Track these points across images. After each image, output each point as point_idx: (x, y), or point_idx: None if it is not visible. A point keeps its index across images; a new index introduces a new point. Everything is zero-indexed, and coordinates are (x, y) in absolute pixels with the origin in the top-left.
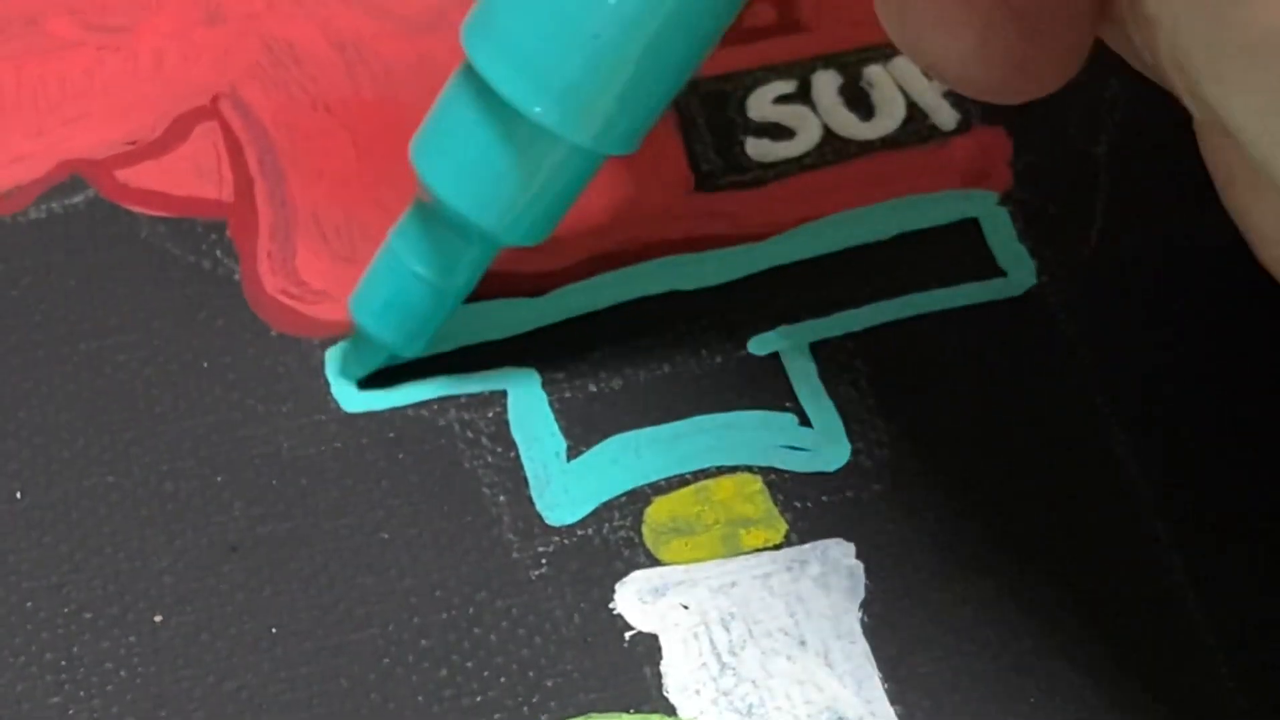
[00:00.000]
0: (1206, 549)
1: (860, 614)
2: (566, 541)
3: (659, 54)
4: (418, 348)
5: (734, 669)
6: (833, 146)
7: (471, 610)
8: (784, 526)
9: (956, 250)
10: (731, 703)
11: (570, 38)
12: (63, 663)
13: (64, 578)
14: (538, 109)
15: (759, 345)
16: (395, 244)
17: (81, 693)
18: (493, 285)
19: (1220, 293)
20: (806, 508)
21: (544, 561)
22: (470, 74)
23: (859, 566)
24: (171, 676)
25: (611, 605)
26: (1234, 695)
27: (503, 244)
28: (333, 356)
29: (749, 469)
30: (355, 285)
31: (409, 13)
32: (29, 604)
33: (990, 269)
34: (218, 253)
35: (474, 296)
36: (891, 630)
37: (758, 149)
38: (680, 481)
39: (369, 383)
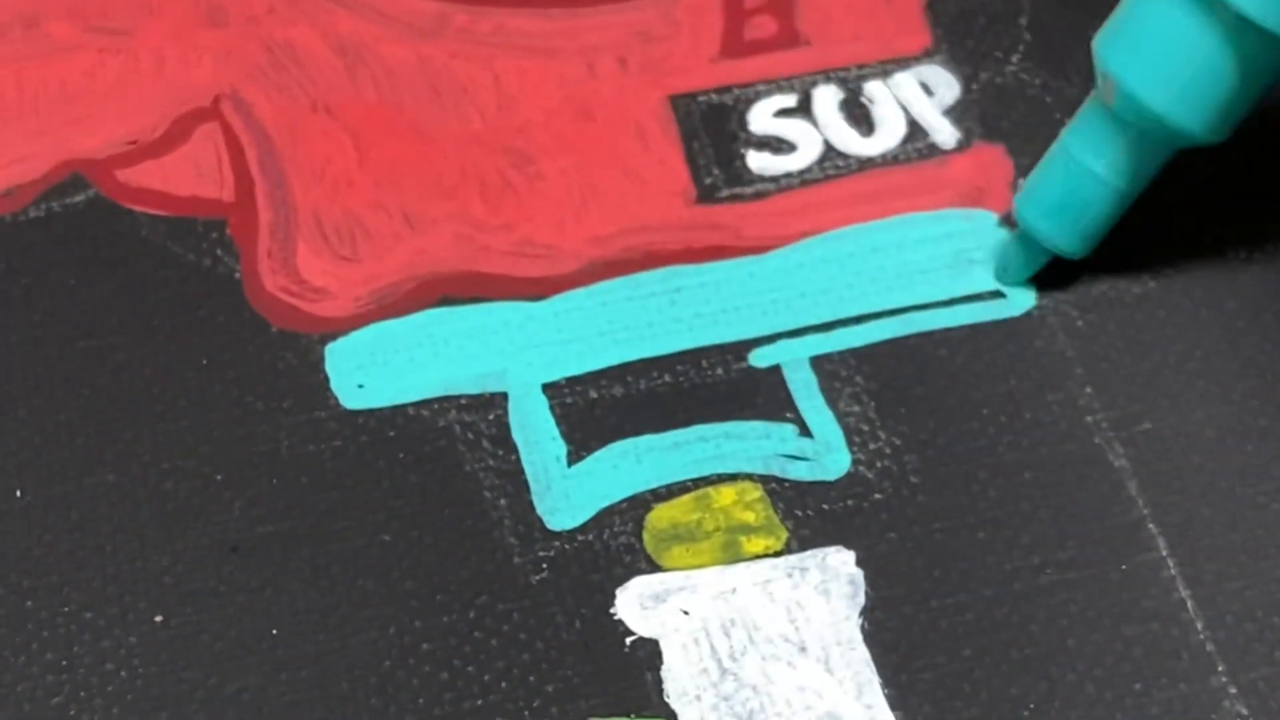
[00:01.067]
0: (1203, 557)
1: (860, 621)
2: (567, 546)
3: None
4: (1085, 248)
5: (734, 674)
6: (833, 161)
7: (473, 614)
8: (784, 534)
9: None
10: (732, 708)
11: None
12: (63, 663)
13: (64, 577)
14: (1247, 1)
15: (760, 358)
16: (1070, 143)
17: (82, 693)
18: (494, 288)
19: (1216, 312)
20: (807, 516)
21: (545, 566)
22: None
23: (859, 574)
24: (172, 677)
25: (612, 610)
26: (1234, 701)
27: (1188, 141)
28: (333, 352)
29: (749, 477)
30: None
31: (410, 18)
32: (29, 603)
33: (990, 289)
34: (218, 251)
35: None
36: (891, 637)
37: (759, 162)
38: (681, 488)
39: (367, 381)
